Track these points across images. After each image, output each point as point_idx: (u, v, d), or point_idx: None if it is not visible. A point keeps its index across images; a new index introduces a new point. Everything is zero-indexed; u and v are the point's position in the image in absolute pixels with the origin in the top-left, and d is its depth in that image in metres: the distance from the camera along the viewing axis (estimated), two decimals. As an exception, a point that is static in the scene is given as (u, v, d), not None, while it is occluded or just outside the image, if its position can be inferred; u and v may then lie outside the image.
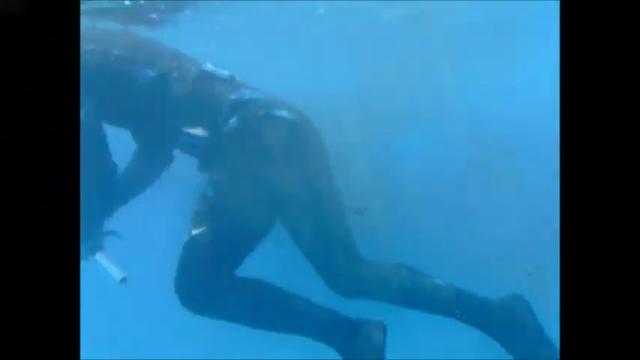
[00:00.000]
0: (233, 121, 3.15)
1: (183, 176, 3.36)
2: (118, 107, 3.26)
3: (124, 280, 3.20)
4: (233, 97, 3.22)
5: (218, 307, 3.11)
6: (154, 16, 5.18)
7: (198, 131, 3.16)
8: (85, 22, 2.89)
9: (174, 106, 3.23)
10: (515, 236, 5.80)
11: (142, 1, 4.91)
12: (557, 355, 3.02)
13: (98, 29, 3.58)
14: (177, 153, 3.43)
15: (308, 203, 3.12)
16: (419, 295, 3.14)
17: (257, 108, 3.19)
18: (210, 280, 3.08)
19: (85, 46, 3.17)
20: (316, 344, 3.18)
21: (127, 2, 4.83)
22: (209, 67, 3.32)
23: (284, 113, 3.19)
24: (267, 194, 3.10)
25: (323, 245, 3.17)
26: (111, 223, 3.44)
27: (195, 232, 3.07)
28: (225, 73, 3.30)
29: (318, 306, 3.13)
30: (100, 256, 3.28)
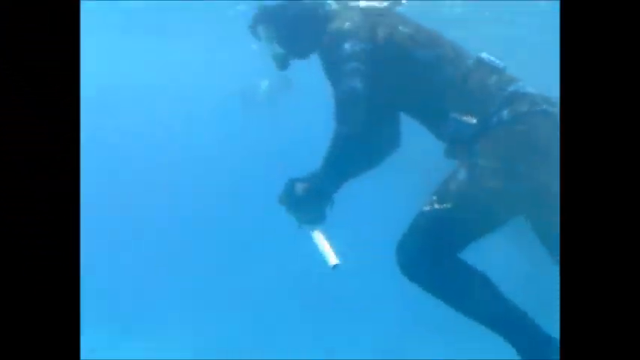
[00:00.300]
0: (506, 113, 3.18)
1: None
2: (391, 82, 3.29)
3: (336, 267, 3.11)
4: (509, 89, 3.24)
5: (431, 279, 3.13)
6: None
7: (468, 118, 3.18)
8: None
9: (447, 91, 3.24)
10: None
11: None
12: None
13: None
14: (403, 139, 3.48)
15: (555, 203, 3.12)
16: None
17: (534, 103, 3.22)
18: (434, 251, 3.11)
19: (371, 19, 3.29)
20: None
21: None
22: (485, 56, 3.31)
23: (557, 111, 3.19)
24: (523, 189, 3.10)
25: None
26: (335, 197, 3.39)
27: (437, 205, 3.09)
28: (501, 64, 3.31)
29: (516, 308, 3.12)
30: (317, 235, 3.22)
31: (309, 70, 3.68)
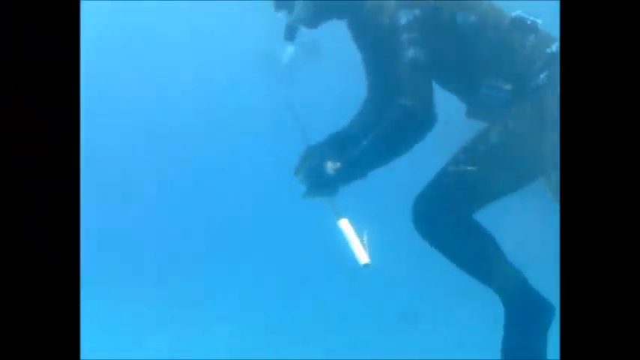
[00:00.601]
0: (545, 76, 3.06)
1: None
2: (437, 50, 3.07)
3: (367, 266, 2.93)
4: (548, 50, 3.09)
5: (445, 237, 3.06)
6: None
7: (503, 84, 3.08)
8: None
9: (487, 55, 3.12)
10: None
11: None
12: None
13: None
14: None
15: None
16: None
17: None
18: (452, 210, 3.04)
19: None
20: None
21: None
22: (520, 14, 3.16)
23: None
24: (551, 154, 2.97)
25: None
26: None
27: (464, 166, 3.02)
28: (538, 21, 3.15)
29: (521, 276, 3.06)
30: (346, 227, 3.03)
31: (335, 39, 3.48)
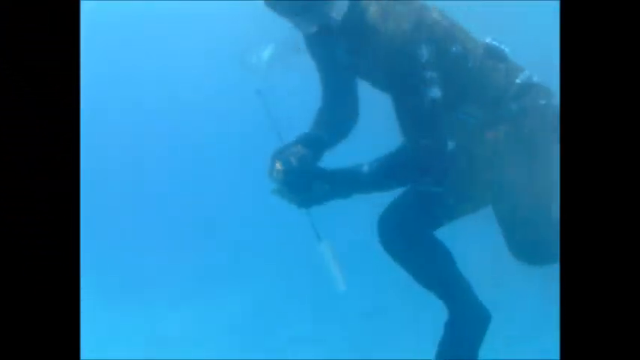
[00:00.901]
0: (515, 106, 3.14)
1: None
2: (445, 82, 3.03)
3: (343, 290, 3.01)
4: (518, 80, 3.17)
5: (404, 254, 3.17)
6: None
7: (477, 111, 3.12)
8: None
9: (465, 81, 3.11)
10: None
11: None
12: None
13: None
14: None
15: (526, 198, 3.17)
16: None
17: (539, 96, 3.18)
18: (414, 228, 3.15)
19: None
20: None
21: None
22: (492, 42, 3.18)
23: (556, 102, 3.17)
24: (510, 181, 3.13)
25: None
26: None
27: (427, 187, 3.06)
28: (506, 50, 3.19)
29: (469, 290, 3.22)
30: (327, 251, 3.04)
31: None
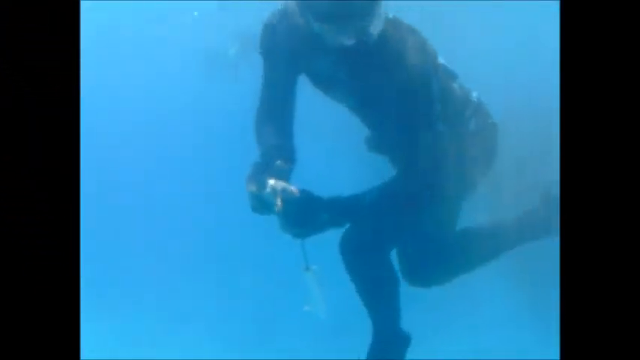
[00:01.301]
0: (474, 124, 3.25)
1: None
2: (375, 87, 3.07)
3: (323, 318, 3.08)
4: (473, 99, 3.27)
5: (361, 273, 3.22)
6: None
7: (439, 126, 3.15)
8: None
9: (430, 98, 3.13)
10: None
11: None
12: None
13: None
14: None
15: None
16: None
17: (487, 115, 3.32)
18: (374, 251, 3.19)
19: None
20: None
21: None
22: (444, 63, 3.21)
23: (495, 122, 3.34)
24: (468, 196, 3.26)
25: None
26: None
27: (379, 207, 3.12)
28: (454, 70, 3.24)
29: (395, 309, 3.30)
30: (311, 279, 3.03)
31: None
